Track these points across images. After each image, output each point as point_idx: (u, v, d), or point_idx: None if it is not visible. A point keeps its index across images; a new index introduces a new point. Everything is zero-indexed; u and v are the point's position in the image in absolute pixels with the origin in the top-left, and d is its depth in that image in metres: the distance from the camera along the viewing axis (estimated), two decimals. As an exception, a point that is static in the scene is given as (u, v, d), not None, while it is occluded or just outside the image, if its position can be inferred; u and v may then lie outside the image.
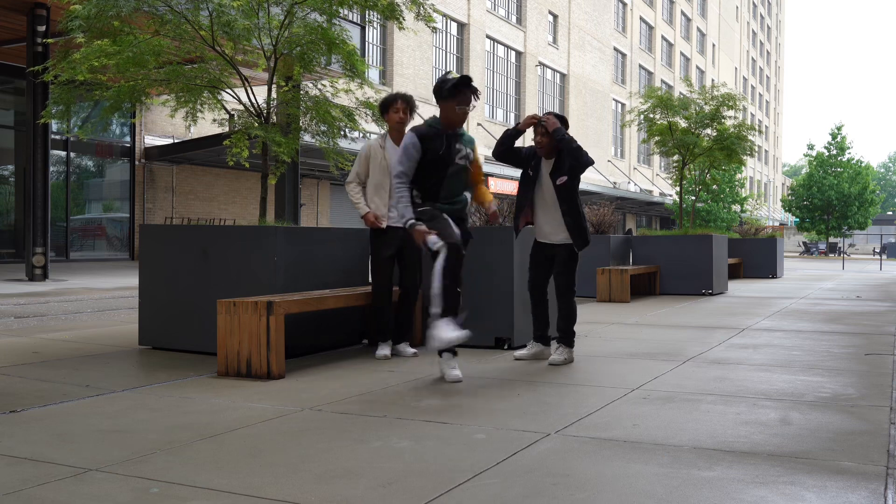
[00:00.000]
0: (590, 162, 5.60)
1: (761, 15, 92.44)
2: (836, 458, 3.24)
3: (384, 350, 5.84)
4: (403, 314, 5.99)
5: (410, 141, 4.99)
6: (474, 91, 4.99)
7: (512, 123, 40.07)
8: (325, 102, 6.94)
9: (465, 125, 5.18)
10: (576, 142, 5.58)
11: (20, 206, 19.62)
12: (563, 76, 45.49)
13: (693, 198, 21.62)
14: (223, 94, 6.99)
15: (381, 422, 3.84)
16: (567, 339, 5.68)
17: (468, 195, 5.29)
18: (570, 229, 5.58)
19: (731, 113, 16.17)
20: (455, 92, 4.93)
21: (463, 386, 4.78)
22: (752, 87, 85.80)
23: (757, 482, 2.92)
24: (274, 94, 6.71)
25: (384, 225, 5.89)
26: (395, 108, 5.93)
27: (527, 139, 24.86)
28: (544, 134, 5.54)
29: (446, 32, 35.14)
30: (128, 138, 22.53)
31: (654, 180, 56.89)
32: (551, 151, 5.61)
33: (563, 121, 5.66)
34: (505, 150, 5.71)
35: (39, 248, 14.28)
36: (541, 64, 42.65)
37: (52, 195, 16.44)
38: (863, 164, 54.34)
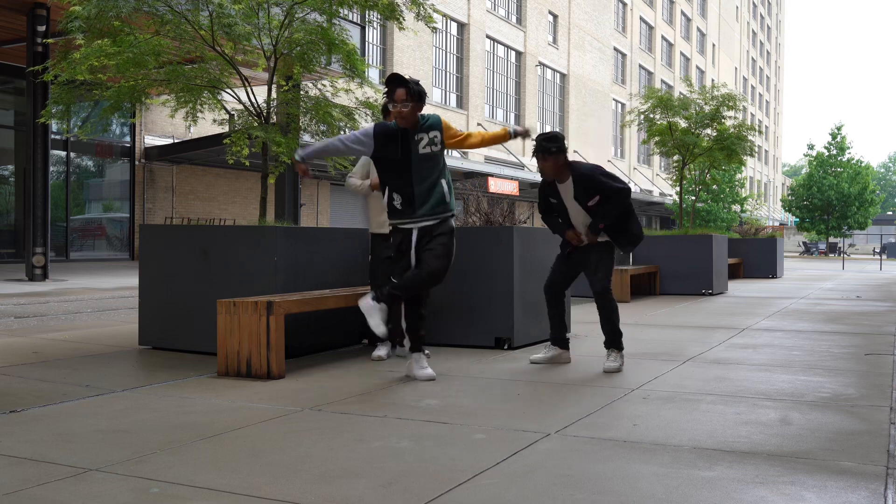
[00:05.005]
0: (641, 237, 5.55)
1: (761, 15, 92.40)
2: (836, 458, 3.24)
3: (380, 351, 5.82)
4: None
5: (366, 126, 5.04)
6: (401, 83, 4.79)
7: (512, 123, 40.04)
8: (324, 102, 6.94)
9: (467, 123, 5.11)
10: (617, 209, 5.39)
11: (20, 206, 19.62)
12: (563, 76, 45.49)
13: (693, 198, 21.62)
14: (223, 94, 7.00)
15: (381, 422, 3.84)
16: (615, 341, 5.42)
17: (444, 184, 4.97)
18: (612, 236, 5.44)
19: (731, 113, 16.17)
20: (387, 94, 4.88)
21: (463, 386, 4.78)
22: (752, 87, 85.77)
23: (757, 482, 2.92)
24: (274, 94, 6.71)
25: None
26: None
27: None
28: (544, 159, 5.31)
29: (446, 32, 35.12)
30: (128, 138, 22.53)
31: (654, 180, 56.88)
32: (561, 174, 5.38)
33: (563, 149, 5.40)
34: (546, 211, 5.66)
35: (39, 248, 14.28)
36: (541, 64, 42.64)
37: (52, 195, 16.45)
38: (863, 164, 54.29)
